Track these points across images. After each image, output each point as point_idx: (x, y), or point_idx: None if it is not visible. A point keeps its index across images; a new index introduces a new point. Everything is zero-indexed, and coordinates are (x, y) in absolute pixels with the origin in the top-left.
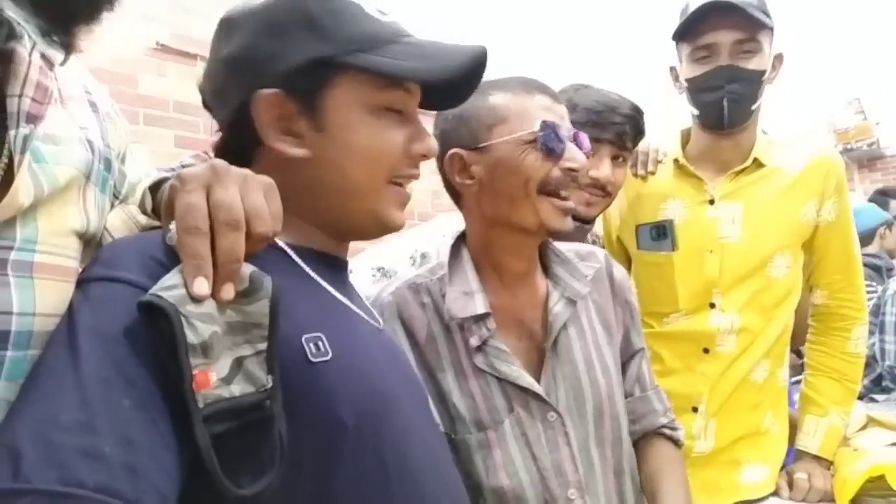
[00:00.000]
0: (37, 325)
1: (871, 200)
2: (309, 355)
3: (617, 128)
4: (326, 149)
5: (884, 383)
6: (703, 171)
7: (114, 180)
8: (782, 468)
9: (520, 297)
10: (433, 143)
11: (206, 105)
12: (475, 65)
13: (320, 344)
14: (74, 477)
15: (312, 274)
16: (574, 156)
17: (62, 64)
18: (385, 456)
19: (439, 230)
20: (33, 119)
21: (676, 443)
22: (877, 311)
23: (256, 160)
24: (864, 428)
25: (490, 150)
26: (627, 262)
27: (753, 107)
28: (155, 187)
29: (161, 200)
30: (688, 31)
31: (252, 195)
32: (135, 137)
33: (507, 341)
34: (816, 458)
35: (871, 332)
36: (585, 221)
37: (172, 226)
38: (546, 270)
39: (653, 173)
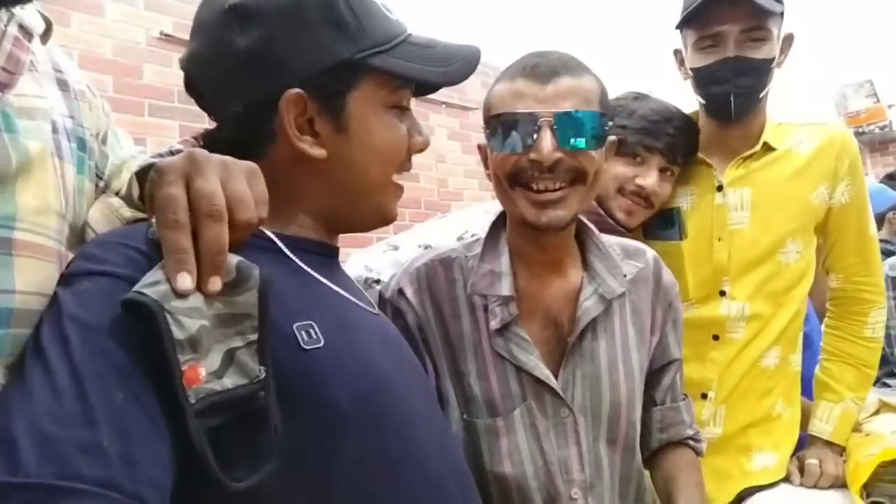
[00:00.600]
0: (17, 303)
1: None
2: (301, 343)
3: (668, 139)
4: (345, 149)
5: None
6: (712, 156)
7: (94, 161)
8: (794, 454)
9: (549, 287)
10: (428, 137)
11: (192, 89)
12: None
13: (312, 331)
14: (73, 471)
15: (301, 264)
16: (537, 146)
17: (44, 37)
18: (387, 439)
19: (492, 209)
20: (3, 87)
21: (698, 453)
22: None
23: (265, 156)
24: (876, 413)
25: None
26: None
27: (762, 95)
28: (143, 174)
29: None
30: (692, 19)
31: (233, 182)
32: (140, 128)
33: (529, 330)
34: (828, 443)
35: None
36: (626, 229)
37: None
38: (585, 263)
39: None
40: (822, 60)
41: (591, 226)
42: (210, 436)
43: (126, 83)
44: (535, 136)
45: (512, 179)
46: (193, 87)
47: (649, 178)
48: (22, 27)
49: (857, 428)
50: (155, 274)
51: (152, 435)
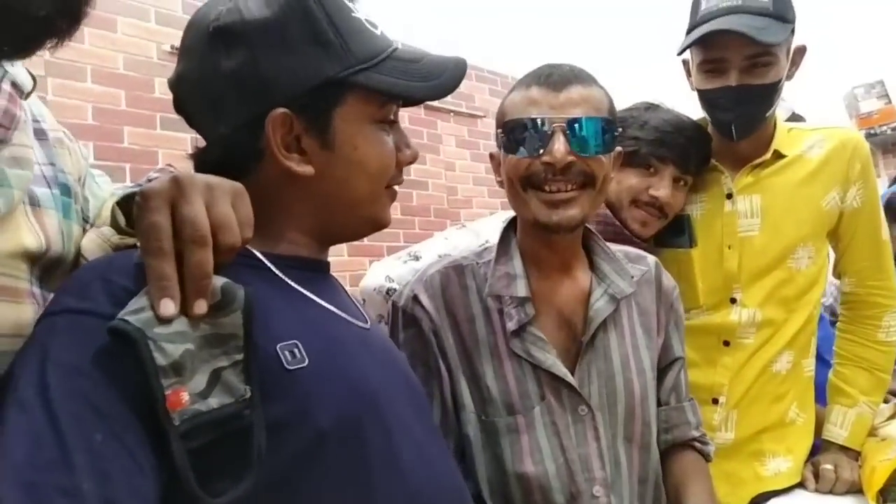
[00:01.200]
0: None
1: (891, 185)
2: (285, 363)
3: (681, 149)
4: (333, 166)
5: None
6: (722, 163)
7: (80, 205)
8: (808, 459)
9: (560, 288)
10: (416, 150)
11: (181, 110)
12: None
13: (296, 351)
14: None
15: (290, 282)
16: (550, 150)
17: (28, 94)
18: (368, 456)
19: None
20: None
21: (706, 457)
22: None
23: (253, 174)
24: (891, 417)
25: (501, 149)
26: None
27: (768, 114)
28: (125, 202)
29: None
30: (695, 42)
31: (218, 205)
32: (152, 141)
33: (544, 330)
34: (843, 448)
35: None
36: (641, 239)
37: None
38: (592, 266)
39: None
40: (832, 62)
41: (595, 232)
42: (195, 454)
43: (138, 97)
44: (548, 140)
45: (525, 182)
46: (182, 107)
47: (662, 189)
48: (14, 84)
49: (872, 432)
50: (139, 300)
51: (132, 474)
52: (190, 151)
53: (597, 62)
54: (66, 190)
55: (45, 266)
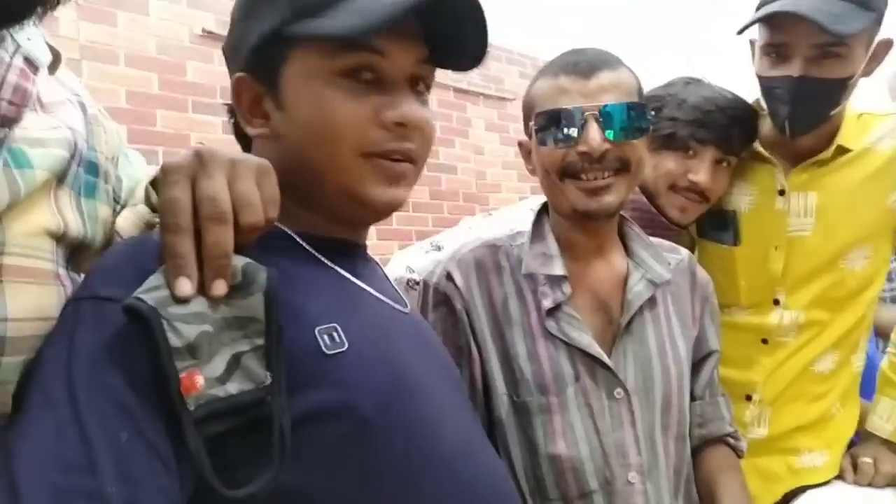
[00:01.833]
0: (10, 331)
1: None
2: (323, 347)
3: (723, 129)
4: (290, 127)
5: None
6: (777, 155)
7: (111, 185)
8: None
9: (596, 272)
10: (410, 110)
11: None
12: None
13: (335, 335)
14: None
15: (326, 261)
16: (585, 139)
17: (52, 67)
18: (413, 444)
19: (537, 207)
20: (9, 122)
21: (738, 453)
22: None
23: (254, 147)
24: None
25: (531, 139)
26: (690, 244)
27: (833, 112)
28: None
29: None
30: (759, 20)
31: (240, 182)
32: (184, 124)
33: (580, 312)
34: (886, 441)
35: None
36: (679, 226)
37: None
38: (628, 251)
39: None
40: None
41: (630, 219)
42: (215, 442)
43: (170, 80)
44: (582, 129)
45: (562, 172)
46: None
47: (703, 173)
48: (28, 59)
49: None
50: (156, 278)
51: (158, 474)
52: (221, 134)
53: (627, 45)
54: (92, 168)
55: (69, 247)
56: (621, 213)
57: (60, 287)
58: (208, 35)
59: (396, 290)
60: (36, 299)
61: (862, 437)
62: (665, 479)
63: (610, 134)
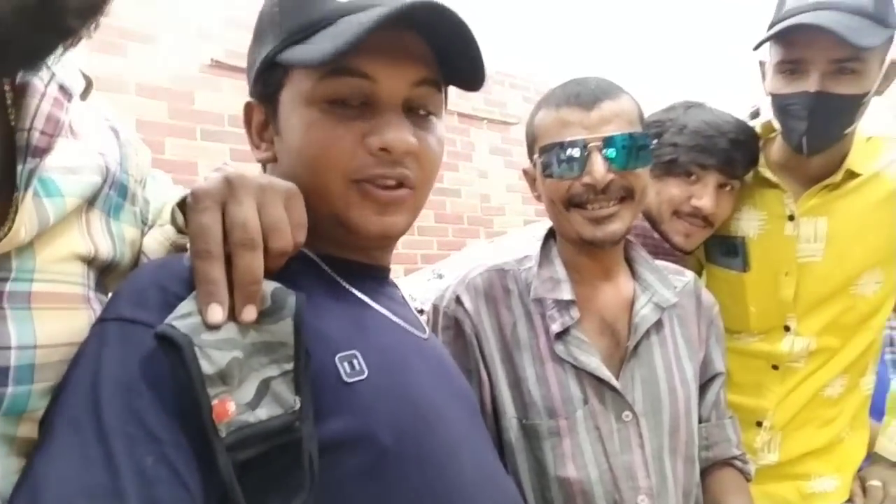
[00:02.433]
0: (39, 358)
1: None
2: (343, 375)
3: (724, 154)
4: (283, 152)
5: None
6: (786, 180)
7: (138, 207)
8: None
9: (603, 295)
10: (395, 136)
11: None
12: (395, 23)
13: (355, 362)
14: None
15: (347, 286)
16: (590, 171)
17: (84, 93)
18: (431, 473)
19: (540, 234)
20: (41, 152)
21: (746, 476)
22: None
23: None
24: None
25: (535, 168)
26: (698, 270)
27: (848, 130)
28: (184, 202)
29: None
30: (776, 36)
31: (269, 207)
32: (192, 152)
33: (587, 335)
34: (895, 465)
35: None
36: (684, 252)
37: None
38: (634, 275)
39: None
40: None
41: (636, 243)
42: (243, 468)
43: (179, 109)
44: (586, 161)
45: (567, 202)
46: None
47: (706, 198)
48: (62, 87)
49: None
50: (188, 305)
51: (182, 498)
52: (229, 161)
53: (628, 69)
54: (122, 190)
55: (99, 269)
56: (627, 237)
57: (90, 310)
58: (217, 65)
59: (416, 315)
60: (66, 325)
61: (872, 458)
62: (674, 502)
63: (614, 164)
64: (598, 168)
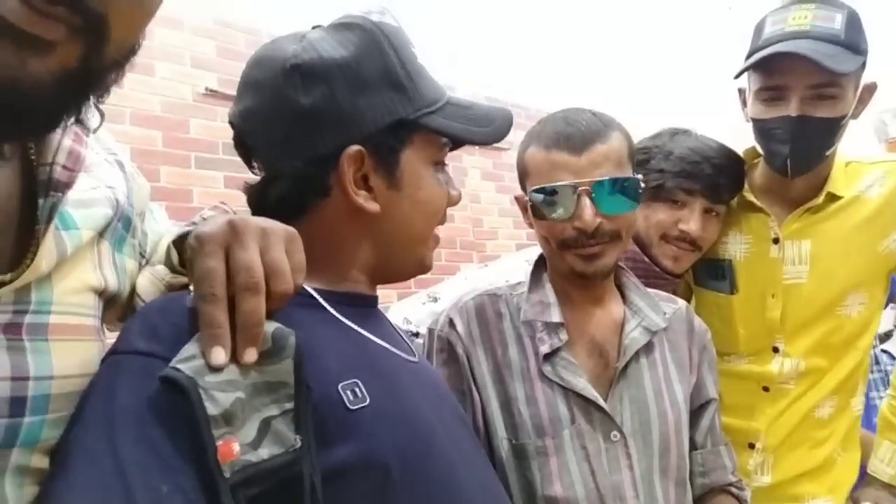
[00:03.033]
0: (55, 389)
1: None
2: (347, 403)
3: (709, 179)
4: (397, 205)
5: None
6: (770, 204)
7: (137, 240)
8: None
9: (593, 318)
10: (460, 192)
11: (241, 145)
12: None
13: (357, 390)
14: None
15: (345, 320)
16: (580, 215)
17: (95, 130)
18: (434, 492)
19: (532, 258)
20: (63, 187)
21: (742, 503)
22: None
23: (315, 211)
24: None
25: (527, 208)
26: (687, 294)
27: (828, 152)
28: (180, 241)
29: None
30: (755, 67)
31: (272, 251)
32: (187, 180)
33: (576, 357)
34: (887, 485)
35: None
36: (673, 275)
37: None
38: (625, 300)
39: None
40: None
41: (627, 269)
42: (252, 501)
43: (174, 137)
44: (575, 205)
45: (561, 244)
46: (244, 142)
47: (693, 223)
48: (80, 122)
49: None
50: (191, 347)
51: None
52: (222, 189)
53: (619, 95)
54: (127, 223)
55: (105, 300)
56: (618, 263)
57: (100, 342)
58: (211, 94)
59: (405, 340)
60: (80, 356)
61: (866, 479)
62: None
63: (602, 209)
64: (588, 213)
